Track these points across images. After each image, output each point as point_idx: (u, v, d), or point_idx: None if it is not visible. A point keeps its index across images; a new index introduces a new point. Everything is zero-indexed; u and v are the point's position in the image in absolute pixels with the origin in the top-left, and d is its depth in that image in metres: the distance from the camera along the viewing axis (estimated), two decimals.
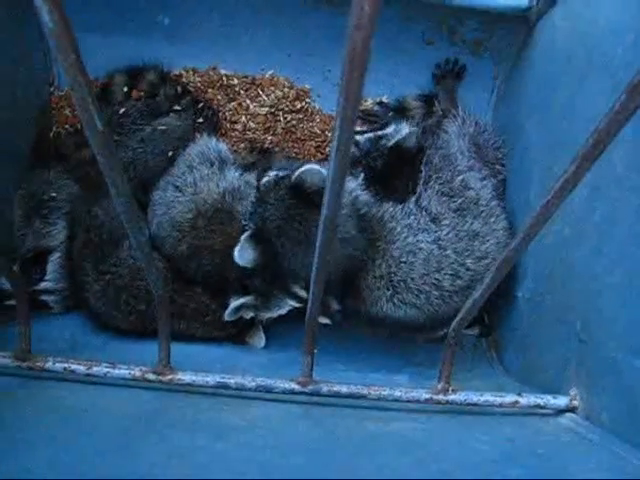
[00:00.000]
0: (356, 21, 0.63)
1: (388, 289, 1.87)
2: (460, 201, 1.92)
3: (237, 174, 2.06)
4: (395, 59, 2.28)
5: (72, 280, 2.06)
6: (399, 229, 1.88)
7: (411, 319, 1.90)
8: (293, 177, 1.75)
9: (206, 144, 2.14)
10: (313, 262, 1.11)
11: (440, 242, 1.87)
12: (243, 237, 1.78)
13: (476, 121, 2.20)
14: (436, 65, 2.34)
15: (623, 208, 1.32)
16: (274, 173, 1.85)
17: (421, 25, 2.22)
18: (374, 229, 1.88)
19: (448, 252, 1.87)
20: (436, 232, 1.88)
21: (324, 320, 1.93)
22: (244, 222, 1.88)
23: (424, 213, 1.91)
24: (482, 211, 1.92)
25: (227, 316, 1.92)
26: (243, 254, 1.77)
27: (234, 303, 1.92)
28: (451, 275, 1.86)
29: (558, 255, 1.63)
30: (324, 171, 1.70)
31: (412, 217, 1.90)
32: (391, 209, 1.92)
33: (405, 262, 1.86)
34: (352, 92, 0.71)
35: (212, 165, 2.06)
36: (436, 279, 1.86)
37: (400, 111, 2.31)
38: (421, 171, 1.98)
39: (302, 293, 1.89)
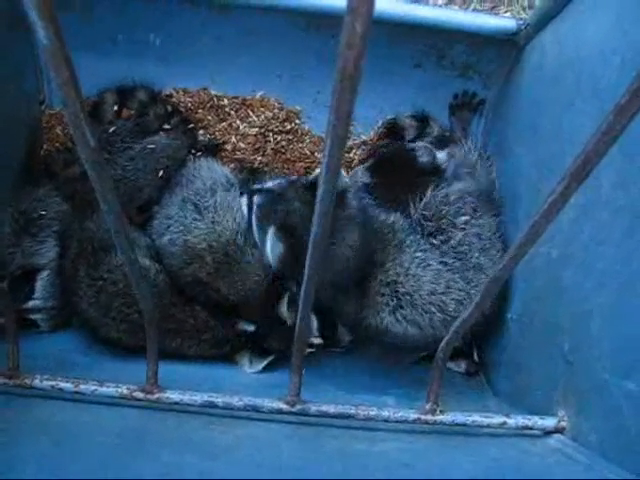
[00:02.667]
0: (347, 40, 0.64)
1: (392, 299, 1.83)
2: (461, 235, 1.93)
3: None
4: (384, 82, 2.29)
5: (64, 294, 2.05)
6: (408, 242, 1.87)
7: (409, 338, 1.87)
8: (312, 176, 1.79)
9: (212, 167, 2.16)
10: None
11: (448, 266, 1.86)
12: (270, 231, 1.77)
13: (480, 152, 2.21)
14: (453, 95, 2.36)
15: (611, 228, 1.33)
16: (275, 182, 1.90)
17: (410, 48, 2.24)
18: (385, 235, 1.87)
19: (456, 277, 1.85)
20: (442, 257, 1.87)
21: (317, 340, 1.96)
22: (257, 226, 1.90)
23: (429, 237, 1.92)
24: (485, 244, 1.93)
25: (254, 372, 1.96)
26: (274, 249, 1.75)
27: (257, 367, 1.95)
28: (457, 301, 1.83)
29: (546, 276, 1.64)
30: (344, 175, 1.77)
31: (419, 235, 1.91)
32: (401, 221, 1.92)
33: (414, 275, 1.83)
34: (343, 111, 0.72)
35: (228, 190, 2.08)
36: (442, 301, 1.83)
37: (395, 132, 2.34)
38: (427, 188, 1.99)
39: (318, 341, 1.99)
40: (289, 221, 1.77)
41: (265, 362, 1.95)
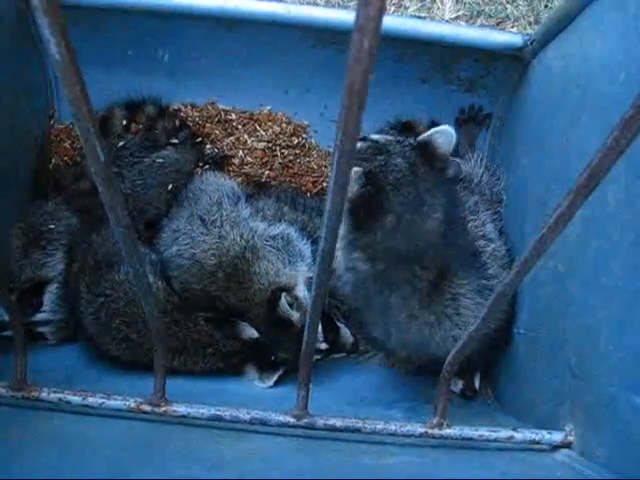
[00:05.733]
0: (355, 56, 0.65)
1: (455, 317, 1.75)
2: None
3: (260, 226, 2.10)
4: (391, 97, 2.30)
5: (69, 307, 2.06)
6: (483, 270, 1.81)
7: (436, 355, 1.73)
8: (424, 135, 1.72)
9: (218, 180, 2.19)
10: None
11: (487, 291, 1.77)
12: (356, 170, 1.66)
13: (486, 166, 2.20)
14: (460, 110, 2.37)
15: (617, 242, 1.33)
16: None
17: (416, 64, 2.25)
18: (467, 244, 1.81)
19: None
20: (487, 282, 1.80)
21: (323, 345, 1.96)
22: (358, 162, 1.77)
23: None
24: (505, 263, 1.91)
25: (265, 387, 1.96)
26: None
27: (269, 382, 1.96)
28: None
29: (553, 290, 1.64)
30: (454, 135, 1.71)
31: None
32: (490, 247, 1.90)
33: (478, 303, 1.74)
34: (351, 126, 0.73)
35: (234, 203, 2.12)
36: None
37: (406, 132, 2.31)
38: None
39: (324, 346, 1.97)
40: (382, 172, 1.69)
41: (276, 376, 1.95)
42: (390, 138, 1.80)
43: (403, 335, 1.80)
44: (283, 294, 1.96)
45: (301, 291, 2.01)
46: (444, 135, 1.71)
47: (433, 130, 1.72)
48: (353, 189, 1.64)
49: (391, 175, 1.69)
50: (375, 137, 1.82)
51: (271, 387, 1.96)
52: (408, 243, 1.68)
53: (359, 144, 1.76)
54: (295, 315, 1.94)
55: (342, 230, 1.77)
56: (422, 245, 1.69)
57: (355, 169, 1.65)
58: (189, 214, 2.10)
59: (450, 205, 1.75)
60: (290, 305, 1.96)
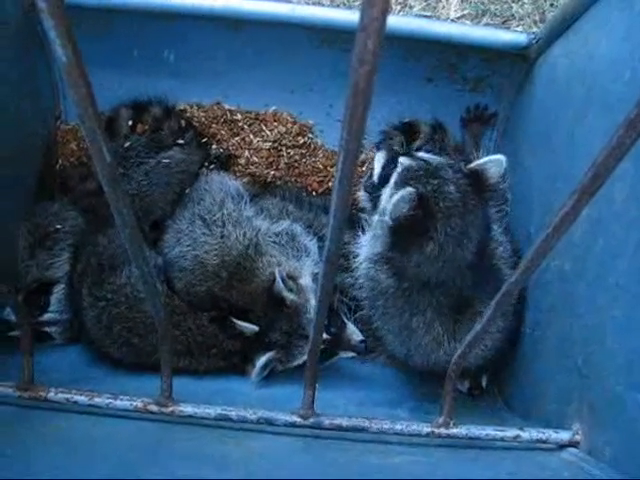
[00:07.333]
0: (359, 56, 0.65)
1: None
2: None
3: (263, 224, 2.11)
4: (396, 96, 2.30)
5: (73, 308, 2.06)
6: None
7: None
8: (475, 164, 1.72)
9: (223, 180, 2.19)
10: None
11: None
12: (408, 190, 1.62)
13: None
14: (465, 109, 2.36)
15: (623, 241, 1.33)
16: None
17: (422, 63, 2.25)
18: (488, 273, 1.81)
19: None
20: None
21: (349, 354, 1.94)
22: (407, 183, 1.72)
23: None
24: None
25: (256, 376, 1.92)
26: (398, 205, 1.61)
27: (260, 362, 1.91)
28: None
29: (559, 289, 1.64)
30: (505, 164, 1.70)
31: None
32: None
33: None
34: (355, 126, 0.73)
35: (237, 202, 2.12)
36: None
37: (409, 132, 2.32)
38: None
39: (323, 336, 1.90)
40: (434, 197, 1.67)
41: (266, 357, 1.92)
42: (441, 160, 1.77)
43: (426, 357, 1.84)
44: (277, 269, 1.95)
45: (305, 281, 2.01)
46: (496, 165, 1.71)
47: (486, 159, 1.72)
48: (403, 209, 1.62)
49: (443, 203, 1.66)
50: (425, 156, 1.80)
51: (274, 386, 1.95)
52: (440, 273, 1.70)
53: (408, 161, 1.76)
54: (289, 295, 1.94)
55: (375, 245, 1.79)
56: (451, 274, 1.71)
57: (409, 189, 1.63)
58: (191, 215, 2.11)
59: (485, 237, 1.76)
60: (290, 290, 1.95)
